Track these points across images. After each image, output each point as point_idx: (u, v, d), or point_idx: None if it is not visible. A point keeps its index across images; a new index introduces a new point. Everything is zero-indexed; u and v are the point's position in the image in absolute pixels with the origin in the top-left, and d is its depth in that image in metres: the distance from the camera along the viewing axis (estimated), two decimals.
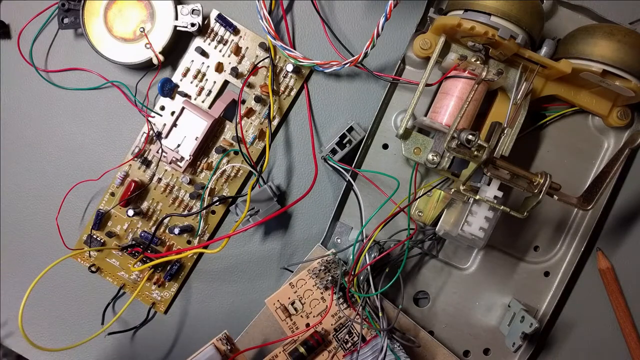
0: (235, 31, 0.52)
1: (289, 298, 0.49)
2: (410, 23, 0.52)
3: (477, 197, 0.42)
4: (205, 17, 0.51)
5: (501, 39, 0.43)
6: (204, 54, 0.52)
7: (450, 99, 0.45)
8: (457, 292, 0.52)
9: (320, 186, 0.54)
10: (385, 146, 0.51)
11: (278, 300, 0.49)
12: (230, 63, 0.52)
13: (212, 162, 0.53)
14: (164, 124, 0.52)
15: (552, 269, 0.52)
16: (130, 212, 0.51)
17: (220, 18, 0.51)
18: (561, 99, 0.50)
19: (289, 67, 0.51)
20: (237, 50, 0.52)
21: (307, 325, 0.50)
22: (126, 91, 0.53)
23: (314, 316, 0.50)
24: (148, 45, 0.50)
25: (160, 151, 0.51)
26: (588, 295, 0.54)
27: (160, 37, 0.50)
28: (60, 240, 0.51)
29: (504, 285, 0.52)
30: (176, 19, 0.50)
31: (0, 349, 0.55)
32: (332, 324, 0.49)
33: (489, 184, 0.43)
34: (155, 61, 0.50)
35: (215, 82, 0.52)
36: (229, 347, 0.47)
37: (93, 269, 0.53)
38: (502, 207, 0.42)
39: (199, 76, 0.52)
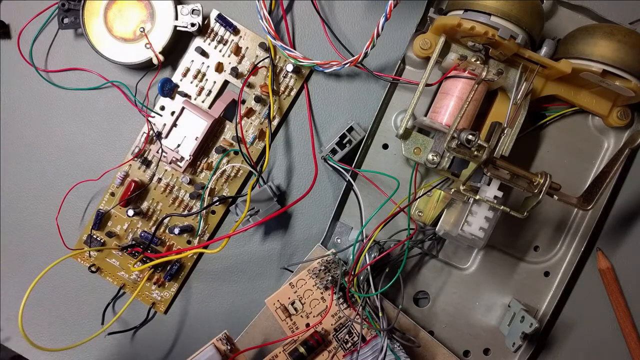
0: (235, 31, 0.52)
1: (289, 298, 0.49)
2: (410, 23, 0.52)
3: (477, 197, 0.42)
4: (205, 17, 0.51)
5: (501, 39, 0.43)
6: (204, 54, 0.52)
7: (450, 99, 0.45)
8: (457, 292, 0.52)
9: (320, 186, 0.54)
10: (385, 146, 0.51)
11: (278, 300, 0.49)
12: (230, 63, 0.52)
13: (212, 162, 0.53)
14: (164, 124, 0.52)
15: (552, 269, 0.52)
16: (130, 212, 0.51)
17: (220, 18, 0.51)
18: (561, 99, 0.50)
19: (289, 67, 0.51)
20: (237, 50, 0.52)
21: (307, 325, 0.50)
22: (126, 91, 0.53)
23: (314, 316, 0.50)
24: (148, 45, 0.50)
25: (160, 151, 0.51)
26: (588, 295, 0.54)
27: (160, 37, 0.50)
28: (60, 240, 0.51)
29: (504, 285, 0.52)
30: (176, 19, 0.50)
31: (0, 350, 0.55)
32: (332, 324, 0.49)
33: (489, 184, 0.43)
34: (155, 61, 0.50)
35: (215, 82, 0.52)
36: (229, 347, 0.47)
37: (93, 269, 0.53)
38: (502, 207, 0.42)
39: (199, 76, 0.52)
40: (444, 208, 0.48)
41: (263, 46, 0.52)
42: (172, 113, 0.52)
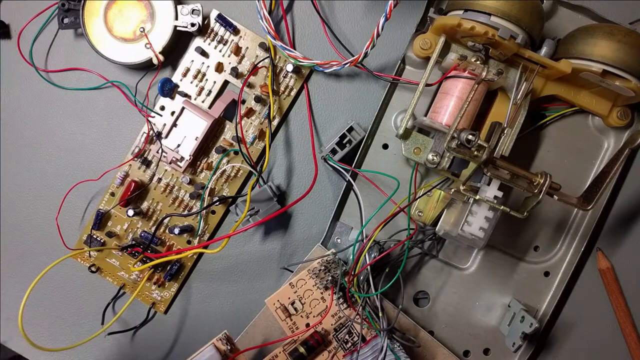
0: (235, 31, 0.52)
1: (289, 298, 0.49)
2: (410, 23, 0.52)
3: (477, 197, 0.42)
4: (205, 17, 0.51)
5: (501, 39, 0.43)
6: (204, 54, 0.52)
7: (450, 99, 0.45)
8: (457, 292, 0.52)
9: (320, 186, 0.54)
10: (385, 146, 0.51)
11: (278, 300, 0.49)
12: (230, 63, 0.52)
13: (212, 162, 0.53)
14: (164, 124, 0.52)
15: (552, 269, 0.52)
16: (130, 212, 0.51)
17: (220, 18, 0.51)
18: (561, 99, 0.50)
19: (289, 67, 0.51)
20: (237, 50, 0.52)
21: (307, 325, 0.50)
22: (126, 91, 0.53)
23: (314, 316, 0.50)
24: (148, 45, 0.50)
25: (160, 151, 0.51)
26: (588, 295, 0.54)
27: (160, 37, 0.50)
28: (60, 240, 0.51)
29: (504, 285, 0.52)
30: (176, 19, 0.50)
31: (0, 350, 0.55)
32: (332, 324, 0.49)
33: (489, 184, 0.43)
34: (155, 61, 0.50)
35: (215, 82, 0.52)
36: (229, 347, 0.47)
37: (93, 269, 0.53)
38: (502, 207, 0.42)
39: (199, 76, 0.52)
40: (444, 208, 0.48)
41: (263, 46, 0.52)
42: (172, 113, 0.52)
